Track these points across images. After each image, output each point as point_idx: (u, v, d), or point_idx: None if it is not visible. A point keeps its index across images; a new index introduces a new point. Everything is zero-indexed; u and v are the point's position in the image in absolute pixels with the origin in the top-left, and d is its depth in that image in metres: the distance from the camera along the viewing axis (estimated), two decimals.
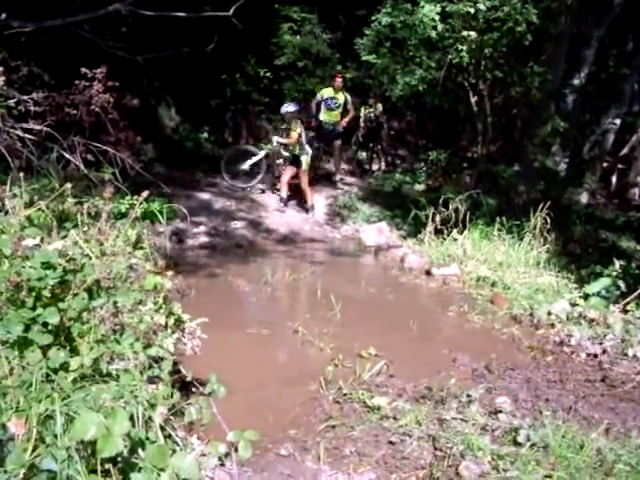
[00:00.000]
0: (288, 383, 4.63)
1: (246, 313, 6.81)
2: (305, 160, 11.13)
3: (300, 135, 10.98)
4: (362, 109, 13.36)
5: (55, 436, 2.48)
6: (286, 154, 11.36)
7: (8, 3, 9.00)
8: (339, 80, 12.24)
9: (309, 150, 11.27)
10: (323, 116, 12.42)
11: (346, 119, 12.49)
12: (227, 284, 7.35)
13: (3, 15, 8.89)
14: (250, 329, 5.87)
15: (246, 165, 11.56)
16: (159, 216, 7.59)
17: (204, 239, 9.26)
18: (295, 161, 11.17)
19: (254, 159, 11.51)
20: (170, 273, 4.13)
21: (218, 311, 6.14)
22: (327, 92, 12.36)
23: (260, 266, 8.22)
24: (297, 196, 11.36)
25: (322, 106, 12.38)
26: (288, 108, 11.18)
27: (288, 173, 11.19)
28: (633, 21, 13.03)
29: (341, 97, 12.32)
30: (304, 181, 11.14)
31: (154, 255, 5.88)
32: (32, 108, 7.62)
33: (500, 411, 4.24)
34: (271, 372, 4.89)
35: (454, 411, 4.23)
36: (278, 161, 11.73)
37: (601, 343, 5.74)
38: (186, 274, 6.86)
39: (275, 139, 11.37)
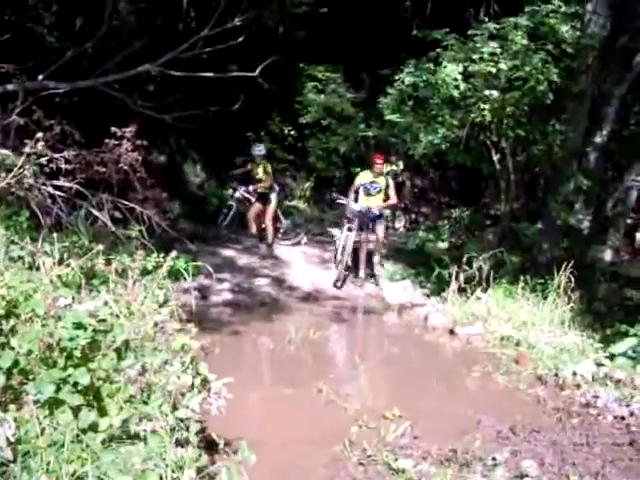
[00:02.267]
0: (312, 444, 4.60)
1: (270, 372, 6.83)
2: (274, 197, 11.74)
3: (270, 174, 11.65)
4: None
5: None
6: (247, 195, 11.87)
7: (44, 65, 9.31)
8: (379, 164, 10.87)
9: (277, 187, 11.86)
10: (361, 203, 10.84)
11: (384, 204, 11.02)
12: (251, 342, 7.38)
13: (39, 76, 9.19)
14: (274, 388, 5.89)
15: (226, 221, 12.03)
16: (184, 273, 7.67)
17: (228, 296, 9.31)
18: (261, 198, 11.67)
19: (230, 214, 12.00)
20: (194, 330, 4.17)
21: (242, 369, 6.16)
22: (365, 177, 11.00)
23: (284, 324, 8.24)
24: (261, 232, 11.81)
25: (361, 192, 10.95)
26: (260, 150, 11.66)
27: (254, 210, 11.68)
28: None
29: (382, 181, 10.93)
30: (270, 218, 11.64)
31: (179, 312, 5.95)
32: (63, 166, 7.80)
33: (526, 475, 4.19)
34: (295, 432, 4.87)
35: (479, 474, 4.19)
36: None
37: (628, 405, 5.66)
38: (210, 331, 6.91)
39: (241, 191, 11.85)
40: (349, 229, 10.52)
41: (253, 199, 11.77)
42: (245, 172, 12.06)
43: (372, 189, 10.92)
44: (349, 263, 10.57)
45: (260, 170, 11.65)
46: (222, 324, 7.93)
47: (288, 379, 6.08)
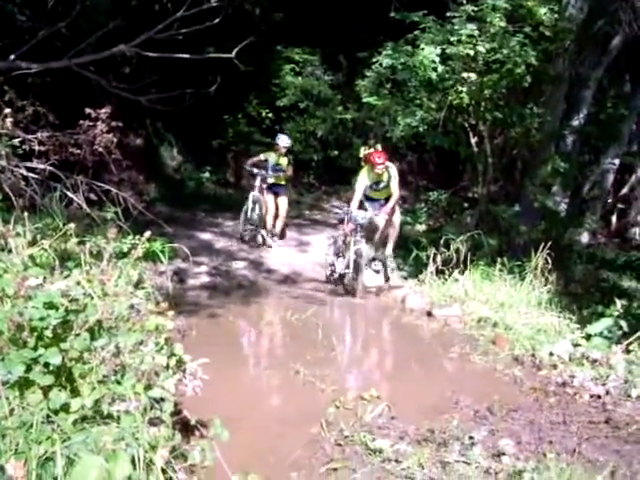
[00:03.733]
0: (289, 425, 4.58)
1: (247, 354, 6.79)
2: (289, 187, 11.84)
3: (292, 165, 11.65)
4: (362, 149, 13.41)
5: (55, 479, 2.45)
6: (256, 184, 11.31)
7: (16, 45, 9.14)
8: (379, 164, 9.70)
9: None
10: (371, 195, 10.16)
11: (388, 207, 9.91)
12: (228, 324, 7.33)
13: (11, 56, 9.03)
14: (251, 370, 5.86)
15: (254, 215, 11.13)
16: (161, 256, 7.60)
17: (205, 279, 9.26)
18: (271, 189, 11.37)
19: (257, 210, 11.08)
20: (171, 313, 4.12)
21: (219, 352, 6.11)
22: (368, 178, 9.93)
23: (261, 306, 8.21)
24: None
25: (368, 190, 10.00)
26: (288, 142, 11.50)
27: (271, 203, 11.39)
28: (630, 63, 13.22)
29: (385, 176, 9.92)
30: (286, 209, 11.53)
31: (155, 295, 5.89)
32: (36, 147, 7.67)
33: (503, 453, 4.18)
34: (272, 413, 4.85)
35: (457, 454, 4.18)
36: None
37: (604, 384, 5.69)
38: (187, 314, 6.87)
39: (256, 188, 11.16)
40: (356, 242, 9.39)
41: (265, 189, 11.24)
42: (258, 162, 11.43)
43: (378, 186, 10.05)
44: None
45: (284, 161, 11.38)
46: (199, 307, 7.87)
47: (265, 361, 6.07)
